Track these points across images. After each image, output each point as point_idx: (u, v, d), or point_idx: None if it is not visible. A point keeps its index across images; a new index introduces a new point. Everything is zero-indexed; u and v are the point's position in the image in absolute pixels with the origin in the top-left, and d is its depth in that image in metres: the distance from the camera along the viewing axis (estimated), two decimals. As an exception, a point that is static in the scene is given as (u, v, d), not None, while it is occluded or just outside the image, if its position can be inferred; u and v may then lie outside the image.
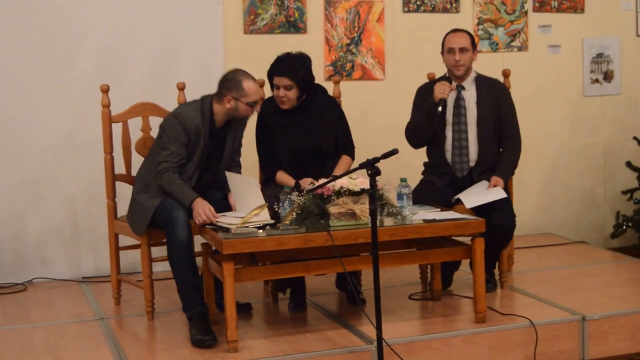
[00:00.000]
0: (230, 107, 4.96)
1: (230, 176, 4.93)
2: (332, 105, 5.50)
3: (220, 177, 5.10)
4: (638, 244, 7.10)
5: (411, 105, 5.68)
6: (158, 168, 4.93)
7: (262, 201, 4.73)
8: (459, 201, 5.32)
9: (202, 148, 4.98)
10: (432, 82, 5.69)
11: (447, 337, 4.73)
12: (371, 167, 4.17)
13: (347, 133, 5.50)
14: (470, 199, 5.24)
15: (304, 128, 5.34)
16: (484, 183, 5.38)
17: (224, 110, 4.98)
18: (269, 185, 5.37)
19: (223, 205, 5.00)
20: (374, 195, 4.16)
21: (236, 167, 5.28)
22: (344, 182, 4.55)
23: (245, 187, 4.83)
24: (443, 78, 5.55)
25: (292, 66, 5.26)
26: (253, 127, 5.43)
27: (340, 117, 5.49)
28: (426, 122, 5.43)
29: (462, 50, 5.45)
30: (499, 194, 5.26)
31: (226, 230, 4.57)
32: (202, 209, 4.75)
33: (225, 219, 4.73)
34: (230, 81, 4.96)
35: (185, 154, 4.95)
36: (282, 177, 5.28)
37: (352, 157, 5.46)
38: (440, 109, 5.35)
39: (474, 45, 5.52)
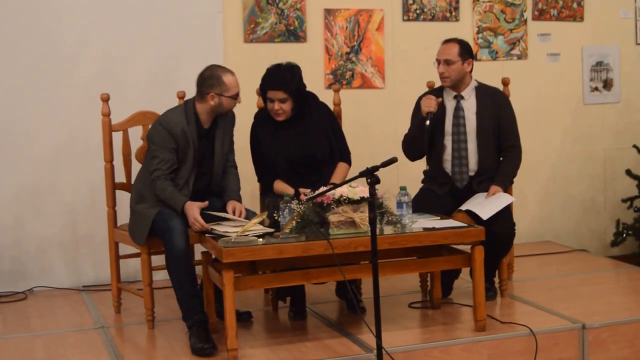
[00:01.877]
0: (214, 104, 4.97)
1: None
2: (325, 112, 5.49)
3: (216, 181, 5.11)
4: (638, 252, 7.10)
5: (411, 113, 5.69)
6: (151, 177, 4.94)
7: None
8: (462, 210, 5.33)
9: (193, 150, 4.99)
10: (432, 91, 5.70)
11: (447, 346, 4.73)
12: (371, 175, 4.16)
13: (341, 139, 5.50)
14: (483, 211, 5.22)
15: (298, 137, 5.33)
16: (483, 195, 5.37)
17: (208, 108, 5.00)
18: (267, 194, 5.37)
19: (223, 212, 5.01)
20: (373, 203, 4.16)
21: (231, 168, 5.27)
22: (343, 191, 4.56)
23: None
24: (440, 92, 5.56)
25: (285, 78, 5.25)
26: (245, 136, 5.45)
27: (333, 122, 5.50)
28: (417, 135, 5.44)
29: (447, 62, 5.43)
30: (507, 199, 5.27)
31: (225, 237, 4.58)
32: (194, 217, 4.77)
33: (221, 227, 4.75)
34: (211, 78, 4.98)
35: (176, 160, 4.96)
36: (280, 185, 5.29)
37: (349, 163, 5.46)
38: (427, 123, 5.34)
39: (466, 54, 5.46)
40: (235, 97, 4.99)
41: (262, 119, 5.42)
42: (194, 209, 4.81)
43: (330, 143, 5.41)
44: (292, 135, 5.33)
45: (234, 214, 4.96)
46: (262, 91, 5.35)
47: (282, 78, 5.25)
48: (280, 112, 5.26)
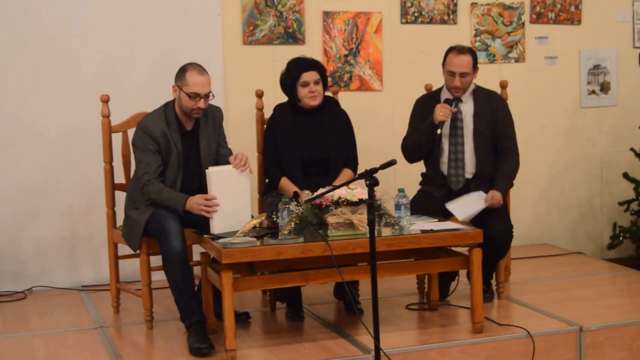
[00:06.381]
0: (176, 97, 5.02)
1: (210, 174, 4.89)
2: (343, 119, 5.56)
3: (205, 181, 5.14)
4: (635, 255, 7.11)
5: (409, 116, 5.71)
6: (141, 183, 4.97)
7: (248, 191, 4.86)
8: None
9: (176, 152, 5.01)
10: (431, 94, 5.71)
11: (444, 347, 4.75)
12: (369, 177, 4.18)
13: (353, 148, 5.56)
14: (461, 211, 5.26)
15: (314, 137, 5.39)
16: (479, 194, 5.37)
17: (177, 105, 5.03)
18: (270, 193, 5.40)
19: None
20: (372, 205, 4.18)
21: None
22: (342, 193, 4.58)
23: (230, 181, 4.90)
24: (438, 95, 5.56)
25: (315, 61, 5.41)
26: (245, 139, 5.45)
27: (349, 130, 5.55)
28: (425, 140, 5.45)
29: (463, 75, 5.42)
30: (481, 201, 5.28)
31: (223, 238, 4.61)
32: (198, 205, 4.81)
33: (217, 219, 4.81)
34: (179, 71, 5.04)
35: (161, 161, 4.99)
36: (285, 184, 5.31)
37: (355, 172, 5.49)
38: (439, 131, 5.35)
39: (476, 65, 5.47)
40: (193, 97, 4.94)
41: (283, 112, 5.46)
42: (196, 199, 4.84)
43: (344, 149, 5.45)
44: (309, 135, 5.38)
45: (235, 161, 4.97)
46: (292, 79, 5.37)
47: (312, 61, 5.40)
48: (317, 94, 5.34)
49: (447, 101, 5.46)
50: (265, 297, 5.73)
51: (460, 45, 5.51)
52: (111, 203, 5.44)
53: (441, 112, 5.35)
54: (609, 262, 6.93)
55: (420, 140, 5.47)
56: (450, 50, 5.50)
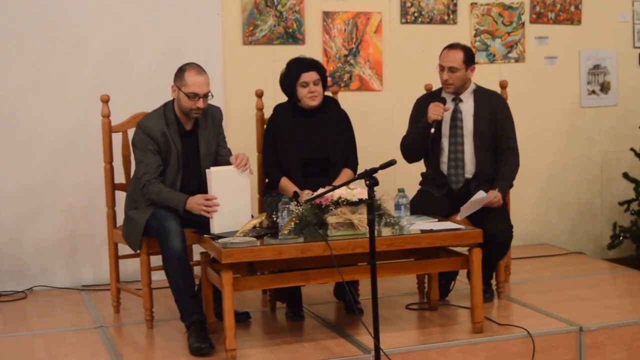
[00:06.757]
0: (175, 97, 5.03)
1: (210, 174, 4.91)
2: (343, 118, 5.57)
3: (205, 181, 5.14)
4: (635, 255, 7.12)
5: (409, 116, 5.71)
6: (141, 183, 4.98)
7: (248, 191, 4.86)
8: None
9: (175, 152, 5.02)
10: (431, 93, 5.71)
11: (444, 347, 4.75)
12: (369, 177, 4.19)
13: (353, 148, 5.57)
14: (462, 212, 5.27)
15: (314, 138, 5.40)
16: (479, 192, 5.37)
17: (177, 104, 5.04)
18: (270, 193, 5.40)
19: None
20: (372, 205, 4.18)
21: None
22: (342, 192, 4.58)
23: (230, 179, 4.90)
24: (438, 95, 5.56)
25: (314, 62, 5.42)
26: (244, 138, 5.46)
27: (349, 130, 5.56)
28: (419, 140, 5.45)
29: (451, 69, 5.42)
30: (480, 195, 5.28)
31: (223, 237, 4.61)
32: (198, 205, 4.82)
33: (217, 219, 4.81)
34: (178, 71, 5.05)
35: (161, 161, 5.00)
36: (285, 184, 5.32)
37: (355, 172, 5.49)
38: (432, 130, 5.36)
39: (469, 61, 5.45)
40: (192, 97, 4.95)
41: (283, 112, 5.48)
42: (197, 199, 4.85)
43: (344, 149, 5.46)
44: (309, 135, 5.39)
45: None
46: (292, 80, 5.39)
47: (312, 61, 5.41)
48: (317, 95, 5.35)
49: (441, 100, 5.46)
50: (265, 297, 5.73)
51: (456, 42, 5.54)
52: (111, 203, 5.45)
53: (434, 111, 5.36)
54: (609, 262, 6.93)
55: (415, 139, 5.49)
56: (445, 47, 5.53)
